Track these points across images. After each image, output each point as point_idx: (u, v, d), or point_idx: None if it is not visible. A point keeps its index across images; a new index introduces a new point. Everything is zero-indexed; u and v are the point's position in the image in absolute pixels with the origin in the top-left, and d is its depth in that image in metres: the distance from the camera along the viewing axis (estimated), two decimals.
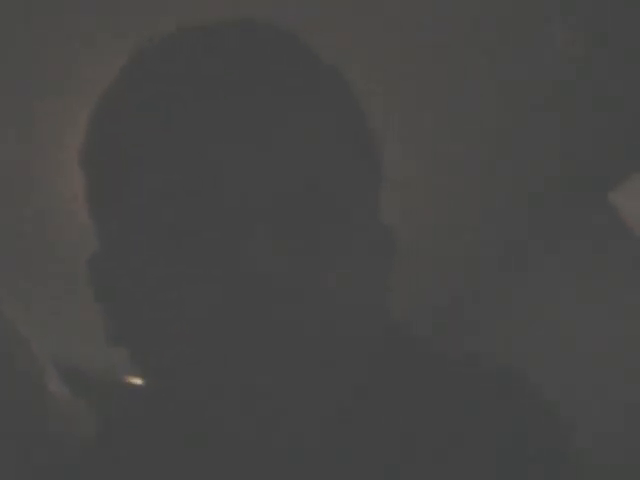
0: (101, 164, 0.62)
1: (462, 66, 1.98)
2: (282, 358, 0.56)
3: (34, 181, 2.14)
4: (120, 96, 0.62)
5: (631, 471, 2.11)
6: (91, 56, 1.81)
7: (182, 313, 0.57)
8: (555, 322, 2.54)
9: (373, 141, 0.64)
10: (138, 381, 0.63)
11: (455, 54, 1.95)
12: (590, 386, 2.31)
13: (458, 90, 2.04)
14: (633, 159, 2.40)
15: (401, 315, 0.67)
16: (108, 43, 1.74)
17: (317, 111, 0.60)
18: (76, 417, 0.67)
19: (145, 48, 0.62)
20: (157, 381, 0.60)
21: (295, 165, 0.58)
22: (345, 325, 0.57)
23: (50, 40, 1.82)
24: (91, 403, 0.66)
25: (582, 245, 2.56)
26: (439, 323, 2.40)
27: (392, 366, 0.65)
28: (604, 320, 2.42)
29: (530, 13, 1.90)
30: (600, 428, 2.06)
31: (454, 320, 2.67)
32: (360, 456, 0.61)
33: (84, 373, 0.63)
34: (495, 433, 0.63)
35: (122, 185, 0.60)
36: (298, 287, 0.56)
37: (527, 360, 0.69)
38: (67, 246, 2.30)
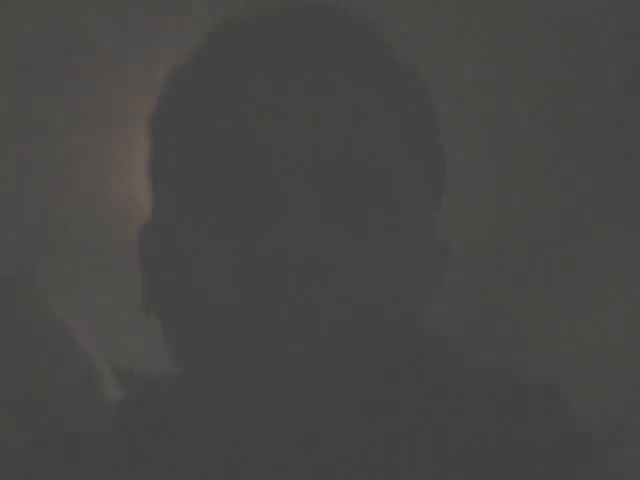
0: (163, 133, 0.62)
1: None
2: (304, 346, 0.55)
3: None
4: (187, 72, 0.63)
5: None
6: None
7: (215, 291, 0.57)
8: (588, 336, 2.50)
9: (439, 148, 0.64)
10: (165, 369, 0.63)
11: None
12: (622, 403, 2.28)
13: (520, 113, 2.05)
14: None
15: (435, 326, 0.66)
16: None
17: (387, 108, 0.60)
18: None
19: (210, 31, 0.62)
20: (183, 358, 0.60)
21: (355, 157, 0.58)
22: (374, 324, 0.57)
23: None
24: (144, 405, 0.66)
25: (617, 259, 2.53)
26: (471, 337, 2.38)
27: (419, 373, 0.64)
28: None
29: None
30: (633, 449, 2.02)
31: (486, 334, 2.65)
32: (374, 457, 0.61)
33: (139, 376, 0.64)
34: (524, 447, 0.62)
35: (176, 160, 0.61)
36: (333, 276, 0.56)
37: (559, 375, 0.68)
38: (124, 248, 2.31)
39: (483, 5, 1.88)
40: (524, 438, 0.62)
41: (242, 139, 0.58)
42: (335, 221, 0.57)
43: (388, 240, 0.58)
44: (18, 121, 2.02)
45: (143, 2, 1.78)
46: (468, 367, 0.66)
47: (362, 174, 0.58)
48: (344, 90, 0.59)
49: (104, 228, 2.29)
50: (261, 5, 0.62)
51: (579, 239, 2.57)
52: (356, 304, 0.56)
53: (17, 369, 1.05)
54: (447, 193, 0.66)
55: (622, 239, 2.51)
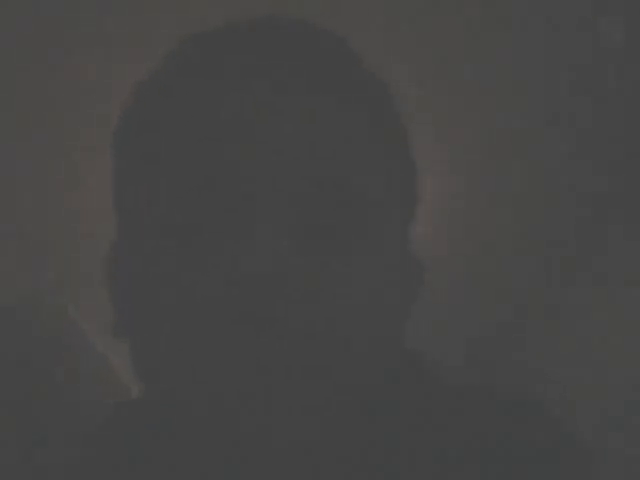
0: (126, 152, 0.62)
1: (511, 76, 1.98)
2: (285, 364, 0.55)
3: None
4: (149, 89, 0.62)
5: None
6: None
7: (187, 310, 0.56)
8: (588, 336, 2.49)
9: (411, 162, 0.64)
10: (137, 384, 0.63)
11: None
12: (622, 404, 2.26)
13: (496, 104, 2.04)
14: None
15: (431, 343, 0.66)
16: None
17: (351, 112, 0.59)
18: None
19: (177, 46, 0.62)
20: (154, 380, 0.60)
21: (325, 166, 0.57)
22: (356, 342, 0.56)
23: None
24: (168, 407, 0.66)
25: (617, 259, 2.52)
26: (470, 354, 2.37)
27: (401, 391, 0.64)
28: None
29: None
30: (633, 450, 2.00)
31: (485, 335, 2.64)
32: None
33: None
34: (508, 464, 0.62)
35: (142, 176, 0.60)
36: (310, 292, 0.55)
37: (559, 375, 0.67)
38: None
39: (483, 5, 1.88)
40: (517, 451, 0.62)
41: (211, 154, 0.57)
42: (307, 239, 0.57)
43: (362, 256, 0.58)
44: (18, 120, 2.02)
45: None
46: (448, 385, 0.66)
47: (335, 190, 0.58)
48: (316, 106, 0.58)
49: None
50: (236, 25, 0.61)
51: (579, 239, 2.56)
52: (328, 323, 0.56)
53: (21, 368, 1.05)
54: (420, 209, 0.66)
55: (622, 239, 2.50)
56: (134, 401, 0.67)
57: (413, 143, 0.64)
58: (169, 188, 0.57)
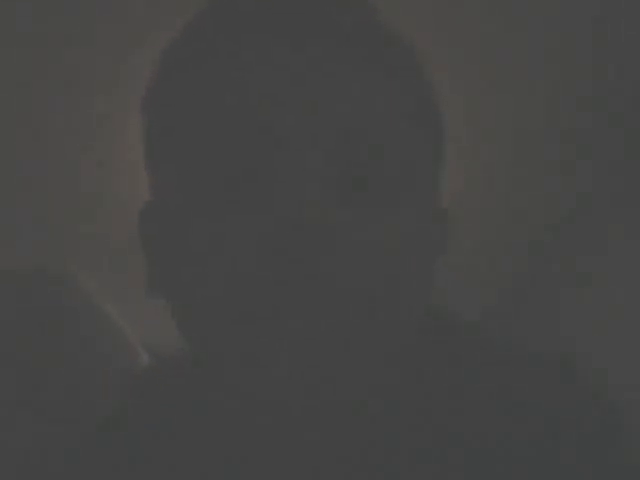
0: (161, 111, 0.62)
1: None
2: (309, 322, 0.55)
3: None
4: (184, 46, 0.62)
5: None
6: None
7: (224, 266, 0.56)
8: (589, 335, 2.49)
9: (438, 117, 0.63)
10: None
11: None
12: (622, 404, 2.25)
13: (496, 104, 2.05)
14: None
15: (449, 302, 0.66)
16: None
17: (384, 81, 0.59)
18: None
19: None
20: (189, 338, 0.60)
21: (353, 118, 0.57)
22: (383, 297, 0.56)
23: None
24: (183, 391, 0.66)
25: (617, 259, 2.52)
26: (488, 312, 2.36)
27: (432, 349, 0.64)
28: None
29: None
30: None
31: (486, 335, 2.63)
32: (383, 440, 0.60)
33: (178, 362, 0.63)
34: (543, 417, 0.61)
35: (177, 134, 0.60)
36: (342, 243, 0.55)
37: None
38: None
39: (484, 5, 1.88)
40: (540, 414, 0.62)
41: (240, 120, 0.57)
42: (337, 196, 0.57)
43: (390, 212, 0.58)
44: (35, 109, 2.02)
45: None
46: (479, 342, 0.66)
47: (361, 146, 0.58)
48: (339, 65, 0.58)
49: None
50: None
51: (579, 237, 2.57)
52: (361, 278, 0.56)
53: (26, 333, 1.05)
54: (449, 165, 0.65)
55: (622, 240, 2.51)
56: (171, 358, 0.66)
57: (437, 90, 0.64)
58: (202, 147, 0.57)
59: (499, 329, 2.37)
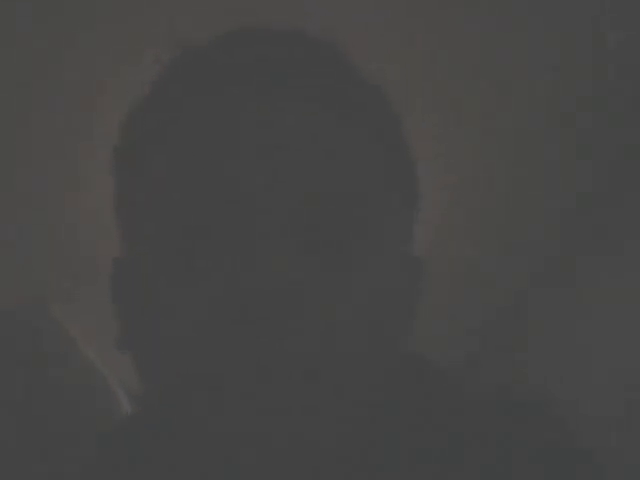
0: (125, 165, 0.62)
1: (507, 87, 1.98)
2: (287, 369, 0.55)
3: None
4: (149, 101, 0.62)
5: None
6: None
7: (190, 323, 0.56)
8: (587, 338, 2.48)
9: (410, 162, 0.63)
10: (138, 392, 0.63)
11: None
12: (622, 403, 2.25)
13: (496, 103, 2.04)
14: None
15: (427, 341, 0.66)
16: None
17: (351, 126, 0.59)
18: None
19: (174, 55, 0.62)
20: (159, 390, 0.60)
21: (325, 177, 0.57)
22: (356, 347, 0.56)
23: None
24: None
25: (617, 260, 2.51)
26: (471, 340, 2.36)
27: (403, 392, 0.64)
28: None
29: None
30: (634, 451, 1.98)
31: (486, 334, 2.63)
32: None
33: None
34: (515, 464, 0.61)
35: (144, 191, 0.60)
36: (311, 304, 0.55)
37: (559, 376, 0.67)
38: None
39: (484, 5, 1.88)
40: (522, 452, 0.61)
41: (212, 171, 0.57)
42: (307, 252, 0.57)
43: (363, 264, 0.58)
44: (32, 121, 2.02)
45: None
46: (455, 390, 0.66)
47: (333, 199, 0.57)
48: (312, 117, 0.58)
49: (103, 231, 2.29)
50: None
51: (579, 237, 2.56)
52: (335, 331, 0.56)
53: (19, 371, 1.05)
54: (422, 210, 0.65)
55: (622, 240, 2.50)
56: (137, 413, 0.67)
57: (411, 143, 0.63)
58: (170, 203, 0.57)
59: (499, 329, 2.39)
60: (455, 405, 0.63)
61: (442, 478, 0.60)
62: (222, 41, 0.61)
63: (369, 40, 1.84)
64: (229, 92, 0.58)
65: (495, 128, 2.19)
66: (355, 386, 0.57)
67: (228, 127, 0.57)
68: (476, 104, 2.10)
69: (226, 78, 0.58)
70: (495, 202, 2.49)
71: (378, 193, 0.59)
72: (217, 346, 0.55)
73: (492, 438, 0.62)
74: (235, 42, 0.60)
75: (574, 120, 2.22)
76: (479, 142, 2.21)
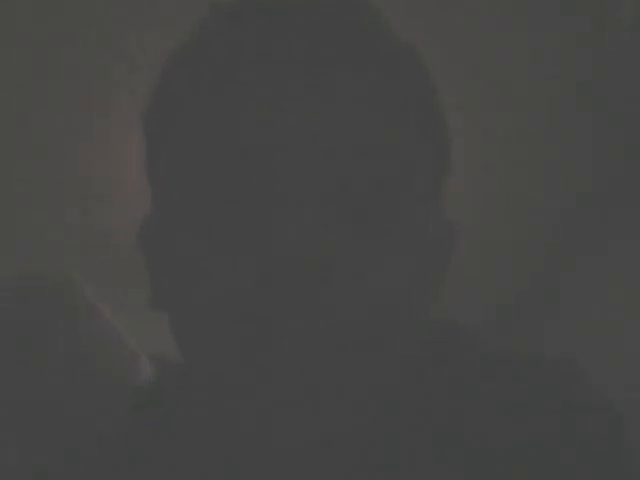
0: (161, 124, 0.61)
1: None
2: (313, 345, 0.55)
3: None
4: (184, 63, 0.61)
5: None
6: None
7: (220, 286, 0.56)
8: (589, 336, 2.48)
9: (444, 132, 0.62)
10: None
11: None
12: (622, 403, 2.24)
13: (532, 91, 2.04)
14: None
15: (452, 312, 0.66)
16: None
17: (388, 93, 0.58)
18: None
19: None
20: (191, 352, 0.60)
21: (360, 149, 0.57)
22: (388, 318, 0.56)
23: None
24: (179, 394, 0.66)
25: (617, 259, 2.51)
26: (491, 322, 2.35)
27: (435, 366, 0.63)
28: None
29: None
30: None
31: (486, 332, 2.63)
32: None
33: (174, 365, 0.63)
34: (556, 432, 0.61)
35: (177, 148, 0.59)
36: (343, 271, 0.55)
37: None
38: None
39: (484, 5, 1.88)
40: (553, 423, 0.61)
41: (243, 132, 0.57)
42: (340, 214, 0.56)
43: (395, 229, 0.57)
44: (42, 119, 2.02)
45: None
46: (485, 356, 0.65)
47: (366, 163, 0.57)
48: (344, 80, 0.58)
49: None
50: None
51: (579, 237, 2.56)
52: (366, 297, 0.56)
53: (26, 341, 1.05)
54: (452, 177, 0.65)
55: (622, 240, 2.51)
56: (172, 370, 0.66)
57: (444, 109, 0.63)
58: (203, 162, 0.57)
59: (498, 329, 2.38)
60: (490, 372, 0.63)
61: (476, 437, 0.59)
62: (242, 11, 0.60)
63: None
64: (256, 55, 0.57)
65: (495, 128, 2.19)
66: (388, 356, 0.56)
67: (257, 90, 0.56)
68: (476, 104, 2.10)
69: (253, 41, 0.58)
70: (495, 202, 2.49)
71: (410, 149, 0.58)
72: (249, 308, 0.54)
73: (492, 438, 0.62)
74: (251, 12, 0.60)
75: (574, 120, 2.22)
76: (479, 142, 2.21)
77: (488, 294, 2.74)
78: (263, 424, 0.57)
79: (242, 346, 0.55)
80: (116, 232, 2.23)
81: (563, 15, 1.91)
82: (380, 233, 0.57)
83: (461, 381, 0.63)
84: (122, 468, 0.63)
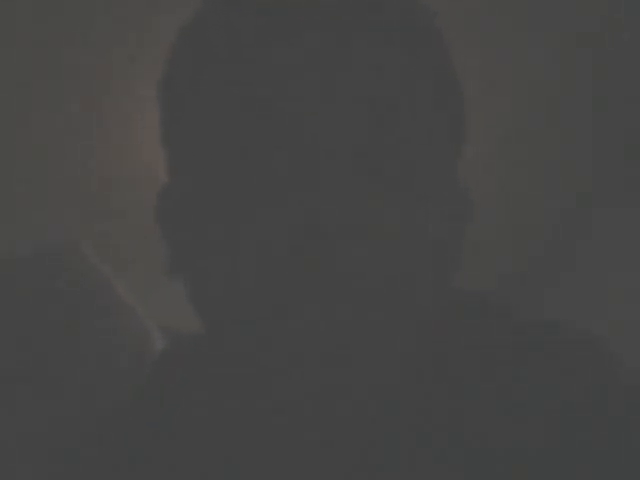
0: (176, 96, 0.61)
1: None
2: (333, 311, 0.55)
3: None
4: (204, 28, 0.61)
5: None
6: None
7: (239, 256, 0.56)
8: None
9: (459, 100, 0.62)
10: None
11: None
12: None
13: (532, 91, 2.04)
14: None
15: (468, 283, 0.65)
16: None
17: (405, 60, 0.58)
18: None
19: None
20: (207, 318, 0.60)
21: (376, 118, 0.57)
22: (407, 282, 0.56)
23: None
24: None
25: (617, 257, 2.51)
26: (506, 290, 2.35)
27: (457, 332, 0.63)
28: None
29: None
30: None
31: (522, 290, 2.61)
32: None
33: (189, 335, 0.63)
34: (575, 402, 0.61)
35: (193, 114, 0.59)
36: (361, 236, 0.55)
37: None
38: None
39: (484, 5, 1.88)
40: (572, 392, 0.61)
41: (261, 100, 0.57)
42: (356, 180, 0.56)
43: (411, 196, 0.57)
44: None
45: None
46: (518, 326, 0.65)
47: (382, 130, 0.57)
48: (361, 46, 0.58)
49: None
50: None
51: (579, 237, 2.56)
52: (387, 264, 0.55)
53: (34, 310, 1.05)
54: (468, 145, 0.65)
55: (622, 239, 2.51)
56: (191, 336, 0.66)
57: (460, 78, 0.63)
58: (218, 132, 0.57)
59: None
60: (519, 339, 0.63)
61: (476, 437, 0.59)
62: None
63: None
64: (272, 20, 0.57)
65: (495, 128, 2.19)
66: (388, 356, 0.56)
67: (272, 54, 0.56)
68: (476, 104, 2.10)
69: (270, 6, 0.57)
70: (495, 202, 2.49)
71: (426, 117, 0.58)
72: (271, 273, 0.54)
73: (492, 438, 0.62)
74: None
75: (574, 120, 2.22)
76: (479, 142, 2.21)
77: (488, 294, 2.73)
78: (263, 424, 0.57)
79: (258, 317, 0.55)
80: (116, 232, 2.23)
81: (563, 15, 1.91)
82: (397, 201, 0.57)
83: (461, 381, 0.63)
84: (122, 468, 0.63)
